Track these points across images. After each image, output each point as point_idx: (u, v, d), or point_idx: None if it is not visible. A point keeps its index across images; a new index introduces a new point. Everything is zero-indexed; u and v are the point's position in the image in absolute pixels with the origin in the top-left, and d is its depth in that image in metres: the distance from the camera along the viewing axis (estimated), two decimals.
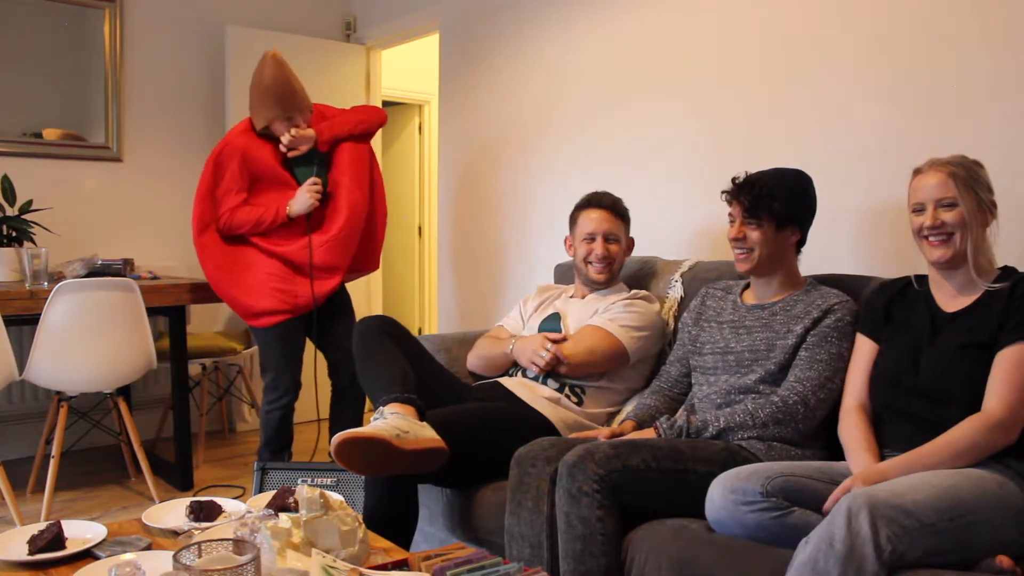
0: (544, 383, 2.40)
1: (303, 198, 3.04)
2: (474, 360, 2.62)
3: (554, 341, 2.38)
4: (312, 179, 3.07)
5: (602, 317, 2.41)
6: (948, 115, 2.20)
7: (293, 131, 3.05)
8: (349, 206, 3.09)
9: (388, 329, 2.35)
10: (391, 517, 2.09)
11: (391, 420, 2.00)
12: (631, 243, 2.59)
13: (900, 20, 2.29)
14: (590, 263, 2.50)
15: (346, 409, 3.26)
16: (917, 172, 1.79)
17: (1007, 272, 1.74)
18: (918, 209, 1.76)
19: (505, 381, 2.45)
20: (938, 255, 1.73)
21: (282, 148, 3.08)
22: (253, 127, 3.13)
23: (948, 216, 1.71)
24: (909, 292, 1.87)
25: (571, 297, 2.62)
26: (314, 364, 3.39)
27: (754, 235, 2.03)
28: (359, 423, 3.26)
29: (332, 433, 3.31)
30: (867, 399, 1.84)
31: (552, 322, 2.54)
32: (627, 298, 2.46)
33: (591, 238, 2.49)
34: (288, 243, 3.08)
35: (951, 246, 1.72)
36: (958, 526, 1.45)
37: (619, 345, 2.36)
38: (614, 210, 2.51)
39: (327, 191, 3.12)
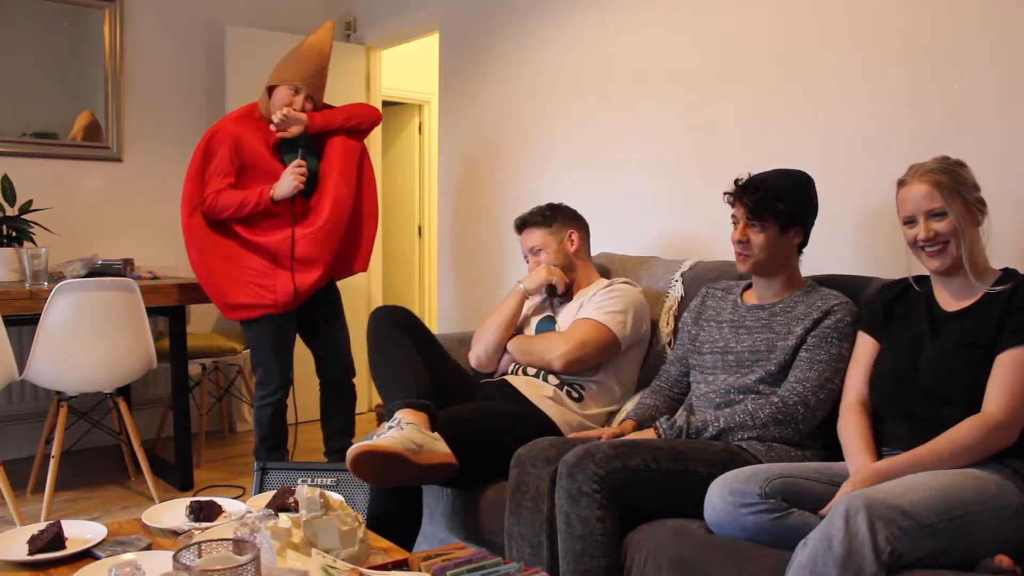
0: (544, 380, 2.41)
1: (287, 180, 3.01)
2: (476, 347, 2.60)
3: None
4: (297, 161, 3.05)
5: (587, 309, 2.43)
6: (948, 116, 2.19)
7: (285, 110, 3.03)
8: (334, 200, 3.07)
9: (403, 321, 2.36)
10: (395, 519, 2.10)
11: (406, 432, 2.00)
12: (570, 235, 2.59)
13: (900, 21, 2.29)
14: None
15: (336, 406, 3.26)
16: (901, 183, 1.78)
17: (1008, 274, 1.74)
18: (909, 221, 1.77)
19: (511, 379, 2.46)
20: (936, 265, 1.74)
21: (272, 127, 3.07)
22: (253, 111, 3.14)
23: (940, 226, 1.71)
24: (910, 292, 1.87)
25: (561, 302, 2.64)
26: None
27: (758, 237, 2.02)
28: (350, 421, 3.28)
29: (324, 431, 3.31)
30: (867, 396, 1.84)
31: (547, 323, 2.56)
32: (606, 286, 2.49)
33: (526, 258, 2.64)
34: (271, 233, 3.07)
35: (947, 255, 1.72)
36: (957, 526, 1.45)
37: (609, 333, 2.37)
38: (529, 224, 2.62)
39: (315, 180, 3.10)
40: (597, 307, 2.41)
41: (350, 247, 3.24)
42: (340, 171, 3.12)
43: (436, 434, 2.06)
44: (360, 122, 3.21)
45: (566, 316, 2.52)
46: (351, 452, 1.92)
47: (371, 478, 1.98)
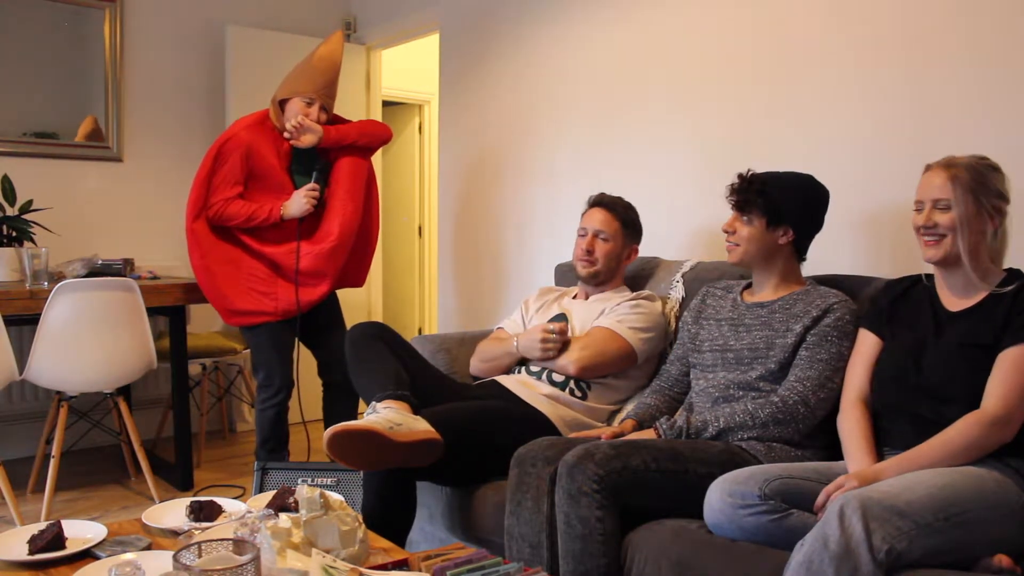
0: (548, 381, 2.40)
1: (299, 202, 3.04)
2: (477, 364, 2.62)
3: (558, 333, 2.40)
4: (311, 184, 3.07)
5: (609, 318, 2.41)
6: (948, 115, 2.19)
7: (300, 118, 3.04)
8: (341, 219, 3.09)
9: (380, 334, 2.35)
10: (389, 513, 2.10)
11: (383, 413, 2.01)
12: (632, 251, 2.59)
13: (899, 21, 2.29)
14: (576, 258, 2.55)
15: (340, 405, 3.26)
16: (927, 168, 1.78)
17: (1012, 275, 1.74)
18: (918, 207, 1.77)
19: (503, 379, 2.45)
20: (929, 254, 1.75)
21: (285, 135, 3.07)
22: (265, 117, 3.13)
23: (941, 218, 1.72)
24: (915, 290, 1.86)
25: (574, 298, 2.63)
26: (296, 369, 3.30)
27: (743, 230, 2.07)
28: (354, 419, 3.26)
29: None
30: (868, 393, 1.84)
31: (558, 322, 2.54)
32: (632, 299, 2.47)
33: (583, 232, 2.55)
34: (276, 245, 3.08)
35: (942, 247, 1.72)
36: (954, 525, 1.45)
37: (628, 347, 2.37)
38: (611, 210, 2.53)
39: (322, 200, 3.12)
40: (621, 319, 2.39)
41: (352, 263, 3.26)
42: (347, 189, 3.13)
43: (418, 416, 2.06)
44: (371, 140, 3.23)
45: (583, 315, 2.50)
46: (327, 433, 1.91)
47: (351, 460, 1.96)
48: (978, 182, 1.70)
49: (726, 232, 2.11)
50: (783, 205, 2.04)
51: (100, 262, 3.29)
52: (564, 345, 2.38)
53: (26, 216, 3.46)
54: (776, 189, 2.04)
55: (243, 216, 3.03)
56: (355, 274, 3.32)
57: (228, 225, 3.07)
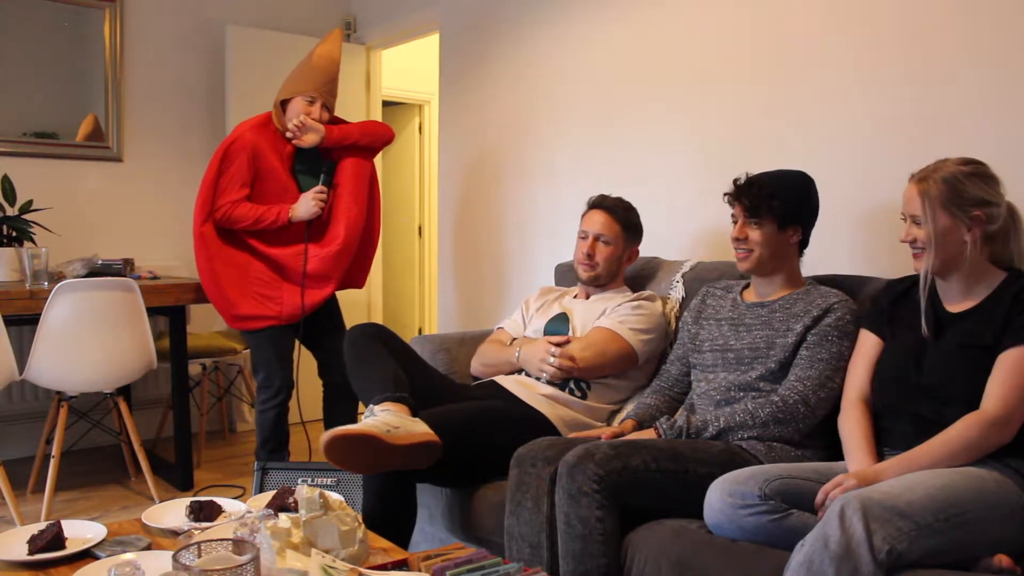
0: (548, 381, 2.40)
1: (307, 204, 3.04)
2: (478, 367, 2.61)
3: (558, 345, 2.38)
4: (319, 187, 3.08)
5: (610, 319, 2.41)
6: (947, 115, 2.19)
7: (302, 117, 3.04)
8: (347, 221, 3.10)
9: (379, 335, 2.35)
10: (390, 515, 2.09)
11: (381, 416, 2.01)
12: (633, 252, 2.59)
13: (899, 21, 2.29)
14: (578, 261, 2.55)
15: (339, 406, 3.26)
16: (909, 179, 1.78)
17: (1013, 275, 1.74)
18: (903, 218, 1.78)
19: (502, 379, 2.45)
20: (915, 266, 1.76)
21: (287, 135, 3.07)
22: (269, 120, 3.13)
23: (918, 233, 1.73)
24: (916, 290, 1.86)
25: (575, 298, 2.63)
26: (296, 370, 3.28)
27: (755, 235, 2.04)
28: (353, 420, 3.26)
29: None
30: (869, 393, 1.84)
31: (559, 322, 2.53)
32: (633, 299, 2.46)
33: (584, 235, 2.54)
34: (283, 247, 3.09)
35: (923, 260, 1.74)
36: (954, 525, 1.45)
37: (629, 348, 2.37)
38: (613, 213, 2.52)
39: (329, 202, 3.13)
40: (623, 320, 2.39)
41: (353, 265, 3.27)
42: (351, 191, 3.14)
43: (416, 419, 2.06)
44: (373, 140, 3.22)
45: (584, 314, 2.49)
46: (324, 438, 1.91)
47: (350, 464, 1.95)
48: (952, 193, 1.69)
49: (736, 240, 2.07)
50: (788, 205, 2.04)
51: (100, 262, 3.29)
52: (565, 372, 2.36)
53: (26, 216, 3.46)
54: (782, 190, 2.03)
55: (251, 218, 3.04)
56: (356, 276, 3.32)
57: (236, 228, 3.07)
